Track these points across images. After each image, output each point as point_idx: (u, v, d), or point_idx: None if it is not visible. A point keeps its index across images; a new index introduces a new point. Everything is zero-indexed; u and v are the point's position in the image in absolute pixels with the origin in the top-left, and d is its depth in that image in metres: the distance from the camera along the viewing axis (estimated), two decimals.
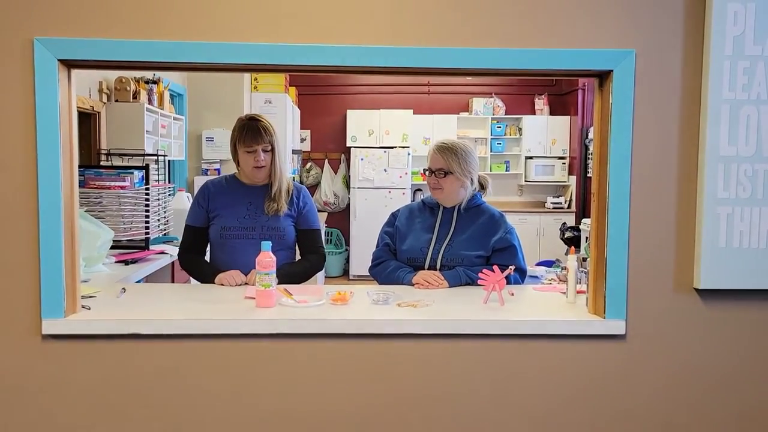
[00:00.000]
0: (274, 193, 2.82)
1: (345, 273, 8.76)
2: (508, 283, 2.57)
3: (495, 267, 2.30)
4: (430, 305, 2.27)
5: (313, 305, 2.23)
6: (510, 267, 2.38)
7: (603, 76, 2.10)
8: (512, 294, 2.46)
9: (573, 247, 2.60)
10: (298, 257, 2.97)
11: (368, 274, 2.91)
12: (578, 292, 2.37)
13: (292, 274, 2.74)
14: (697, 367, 2.13)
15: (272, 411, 2.09)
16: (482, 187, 2.90)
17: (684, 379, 2.13)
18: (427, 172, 2.84)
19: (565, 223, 6.97)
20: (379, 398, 2.11)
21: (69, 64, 2.04)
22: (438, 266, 2.72)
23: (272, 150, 2.81)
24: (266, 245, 2.24)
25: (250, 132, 2.77)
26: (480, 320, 2.12)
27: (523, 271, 2.78)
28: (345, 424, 2.10)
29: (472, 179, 2.81)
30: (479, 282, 2.36)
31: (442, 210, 2.84)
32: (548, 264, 4.00)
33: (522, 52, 2.04)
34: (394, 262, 2.80)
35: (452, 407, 2.11)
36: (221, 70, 2.13)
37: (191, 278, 2.93)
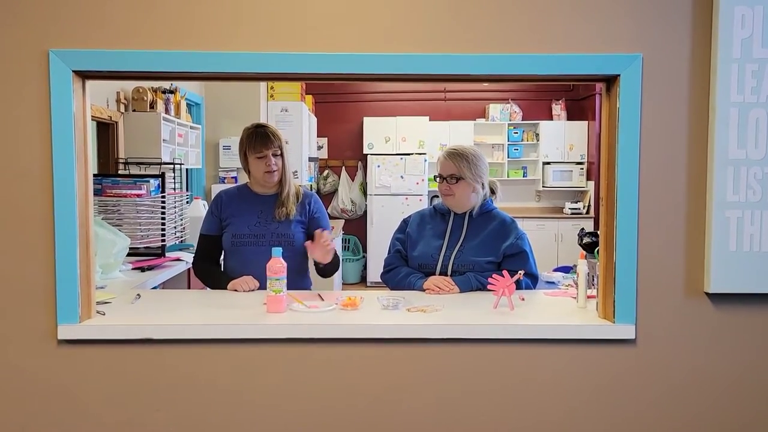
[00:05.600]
0: (283, 198, 2.85)
1: (362, 280, 8.78)
2: (519, 288, 2.57)
3: (504, 272, 2.31)
4: (439, 310, 2.27)
5: (324, 310, 2.26)
6: (519, 272, 2.38)
7: (610, 81, 2.10)
8: (523, 299, 2.46)
9: (583, 251, 2.60)
10: (310, 263, 2.99)
11: None
12: (589, 297, 2.36)
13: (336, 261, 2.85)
14: (707, 372, 2.12)
15: (283, 415, 2.11)
16: (492, 192, 2.91)
17: (694, 383, 2.12)
18: (438, 179, 2.85)
19: (583, 229, 6.91)
20: (389, 402, 2.12)
21: (84, 75, 2.08)
22: (449, 272, 2.73)
23: (281, 155, 2.84)
24: (277, 251, 2.27)
25: (260, 138, 2.82)
26: (489, 325, 2.13)
27: (535, 276, 2.78)
28: (354, 428, 2.12)
29: (483, 184, 2.82)
30: (489, 287, 2.37)
31: (453, 216, 2.84)
32: (566, 270, 3.99)
33: (529, 57, 2.05)
34: (405, 268, 2.81)
35: (461, 411, 2.12)
36: (237, 79, 2.16)
37: (206, 286, 2.96)
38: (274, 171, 2.83)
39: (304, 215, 2.90)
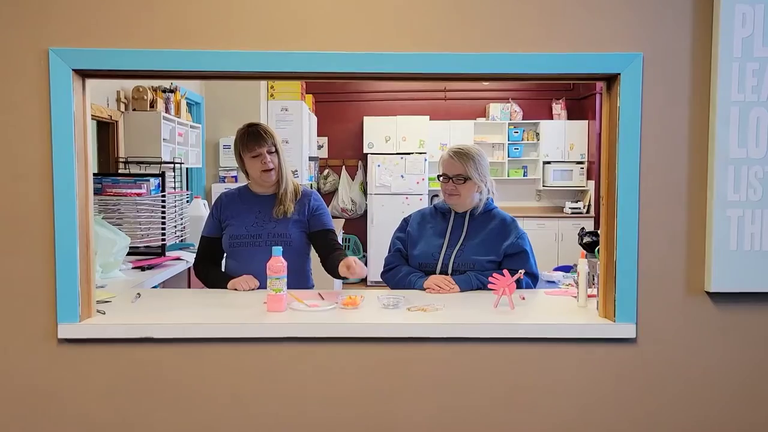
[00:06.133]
0: (281, 196, 2.84)
1: (363, 279, 8.77)
2: (520, 287, 2.56)
3: (505, 271, 2.31)
4: (440, 309, 2.27)
5: (324, 309, 2.25)
6: (520, 271, 2.37)
7: (611, 80, 2.10)
8: (523, 298, 2.46)
9: (583, 251, 2.60)
10: (312, 264, 2.97)
11: None
12: (589, 296, 2.36)
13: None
14: (708, 371, 2.12)
15: (282, 414, 2.11)
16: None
17: (695, 382, 2.12)
18: (441, 178, 2.83)
19: (583, 228, 6.91)
20: (389, 401, 2.11)
21: (83, 74, 2.07)
22: (449, 271, 2.72)
23: (276, 152, 2.83)
24: (277, 250, 2.26)
25: (252, 136, 2.80)
26: (489, 324, 2.12)
27: (535, 275, 2.78)
28: (354, 427, 2.11)
29: (485, 183, 2.82)
30: (489, 286, 2.37)
31: (453, 215, 2.84)
32: (566, 269, 3.99)
33: (530, 56, 2.04)
34: (405, 267, 2.81)
35: (461, 411, 2.12)
36: (237, 77, 2.15)
37: (206, 287, 2.95)
38: (271, 169, 2.81)
39: (303, 214, 2.87)
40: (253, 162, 2.80)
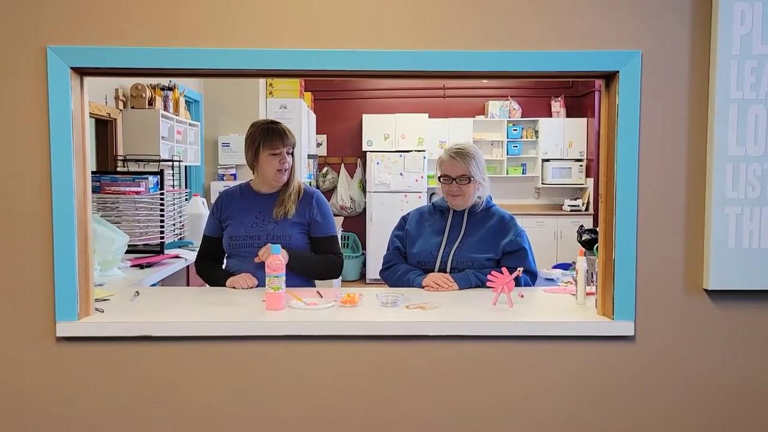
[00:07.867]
0: (284, 197, 2.82)
1: (362, 277, 8.78)
2: (518, 285, 2.57)
3: (503, 269, 2.31)
4: (438, 307, 2.27)
5: (323, 308, 2.25)
6: (518, 269, 2.37)
7: (609, 78, 2.10)
8: (522, 296, 2.46)
9: (582, 248, 2.60)
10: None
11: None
12: (588, 294, 2.36)
13: (305, 257, 2.78)
14: (707, 369, 2.12)
15: (281, 411, 2.11)
16: None
17: (693, 380, 2.12)
18: (443, 179, 2.81)
19: (582, 226, 6.90)
20: (387, 399, 2.11)
21: (82, 72, 2.07)
22: (448, 269, 2.72)
23: (292, 154, 2.82)
24: (276, 248, 2.26)
25: (276, 134, 2.78)
26: (488, 322, 2.12)
27: (534, 273, 2.78)
28: (353, 425, 2.12)
29: (485, 179, 2.82)
30: (488, 284, 2.37)
31: (452, 213, 2.84)
32: (565, 267, 3.98)
33: (529, 54, 2.04)
34: (404, 266, 2.81)
35: (459, 408, 2.12)
36: (234, 75, 2.15)
37: (206, 284, 2.95)
38: (287, 170, 2.80)
39: (304, 216, 2.84)
40: (270, 160, 2.77)
